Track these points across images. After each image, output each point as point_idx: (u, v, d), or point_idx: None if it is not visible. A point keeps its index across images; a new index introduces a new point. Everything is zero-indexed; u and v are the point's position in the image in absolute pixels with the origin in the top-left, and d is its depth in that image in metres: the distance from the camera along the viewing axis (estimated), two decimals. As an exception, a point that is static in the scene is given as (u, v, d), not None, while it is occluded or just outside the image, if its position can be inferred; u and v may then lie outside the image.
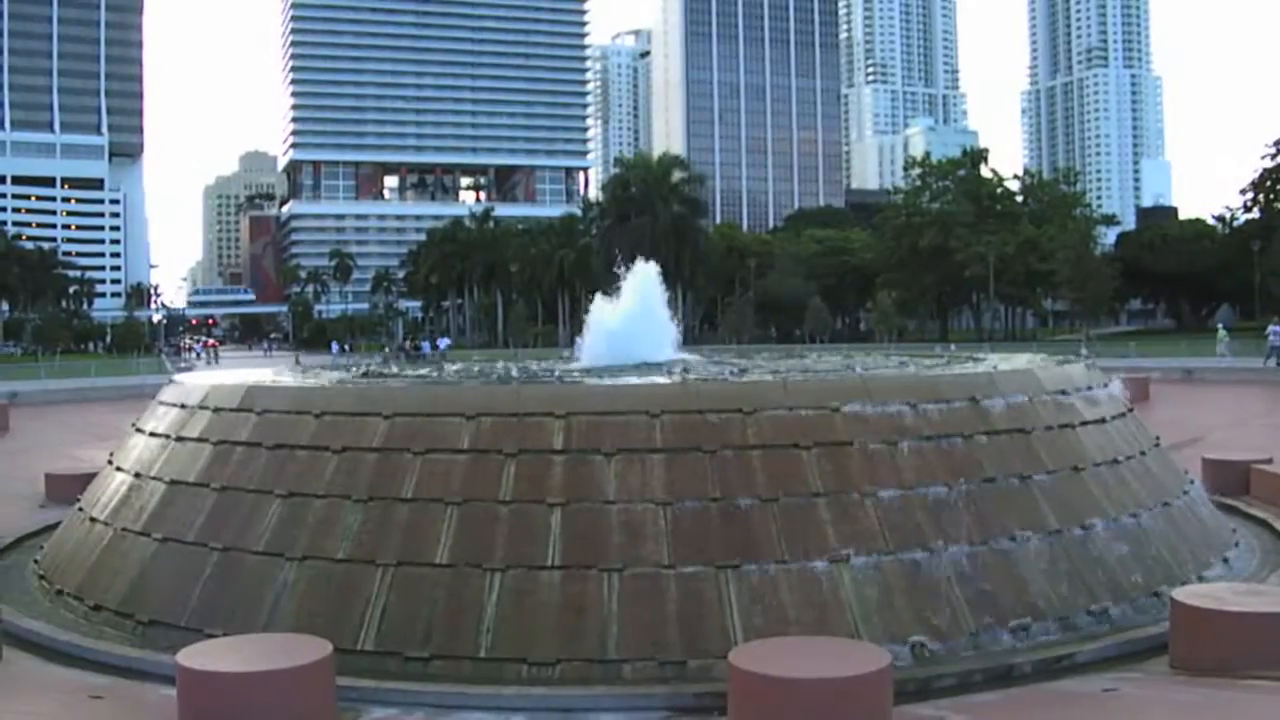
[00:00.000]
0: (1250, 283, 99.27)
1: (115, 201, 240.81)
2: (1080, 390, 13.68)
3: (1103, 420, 13.46)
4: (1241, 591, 10.21)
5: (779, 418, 11.24)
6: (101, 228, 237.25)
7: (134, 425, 14.92)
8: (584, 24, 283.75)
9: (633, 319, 19.41)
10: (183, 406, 13.75)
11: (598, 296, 21.02)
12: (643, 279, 20.54)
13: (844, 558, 10.37)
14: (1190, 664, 9.34)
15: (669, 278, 21.46)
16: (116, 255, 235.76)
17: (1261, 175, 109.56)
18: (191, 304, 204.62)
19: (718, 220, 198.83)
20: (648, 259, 21.56)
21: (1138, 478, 12.97)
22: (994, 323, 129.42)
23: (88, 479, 15.70)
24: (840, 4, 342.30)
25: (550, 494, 10.68)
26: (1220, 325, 79.05)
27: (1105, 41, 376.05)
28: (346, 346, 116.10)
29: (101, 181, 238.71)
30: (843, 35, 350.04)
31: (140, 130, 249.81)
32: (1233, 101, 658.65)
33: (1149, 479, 13.22)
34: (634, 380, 13.92)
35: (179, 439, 13.18)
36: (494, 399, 12.04)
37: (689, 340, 21.15)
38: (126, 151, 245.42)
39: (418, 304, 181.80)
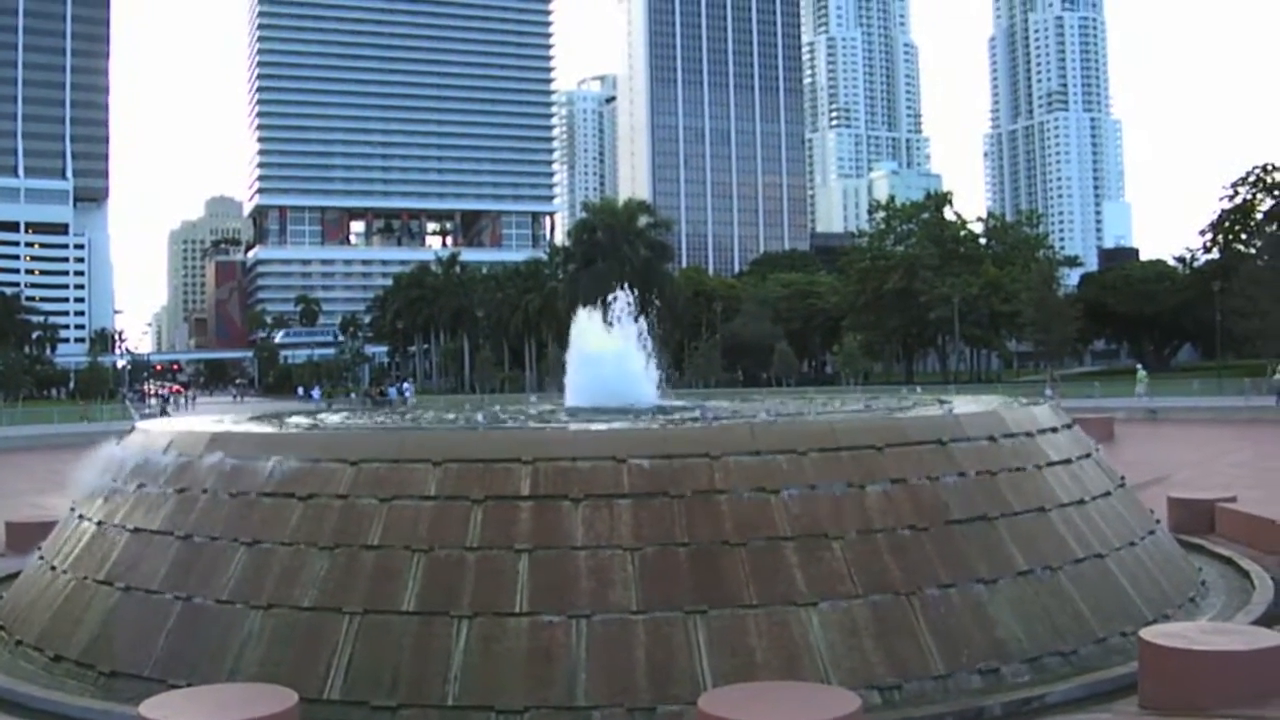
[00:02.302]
0: (1211, 322, 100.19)
1: (80, 246, 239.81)
2: (1046, 431, 13.74)
3: (1068, 461, 13.51)
4: (1209, 631, 10.23)
5: (746, 462, 11.23)
6: (66, 273, 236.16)
7: (97, 471, 14.75)
8: (550, 70, 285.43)
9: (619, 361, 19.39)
10: (146, 453, 13.61)
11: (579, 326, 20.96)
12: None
13: (812, 601, 10.35)
14: (1159, 704, 9.33)
15: (635, 322, 21.47)
16: (80, 300, 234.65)
17: (1220, 216, 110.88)
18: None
19: (684, 264, 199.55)
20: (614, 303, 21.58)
21: (1104, 518, 13.00)
22: (959, 364, 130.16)
23: (49, 527, 15.51)
24: (804, 49, 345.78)
25: (518, 540, 10.61)
26: (1139, 367, 79.80)
27: (1065, 86, 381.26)
28: (316, 393, 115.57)
29: (66, 226, 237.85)
30: (806, 80, 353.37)
31: (105, 175, 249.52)
32: (1191, 144, 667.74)
33: (1115, 519, 13.26)
34: (601, 425, 13.90)
35: (142, 486, 13.05)
36: (461, 445, 11.99)
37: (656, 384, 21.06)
38: (91, 196, 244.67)
39: (384, 349, 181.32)
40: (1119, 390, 70.23)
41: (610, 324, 20.66)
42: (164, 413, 74.26)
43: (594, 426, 13.78)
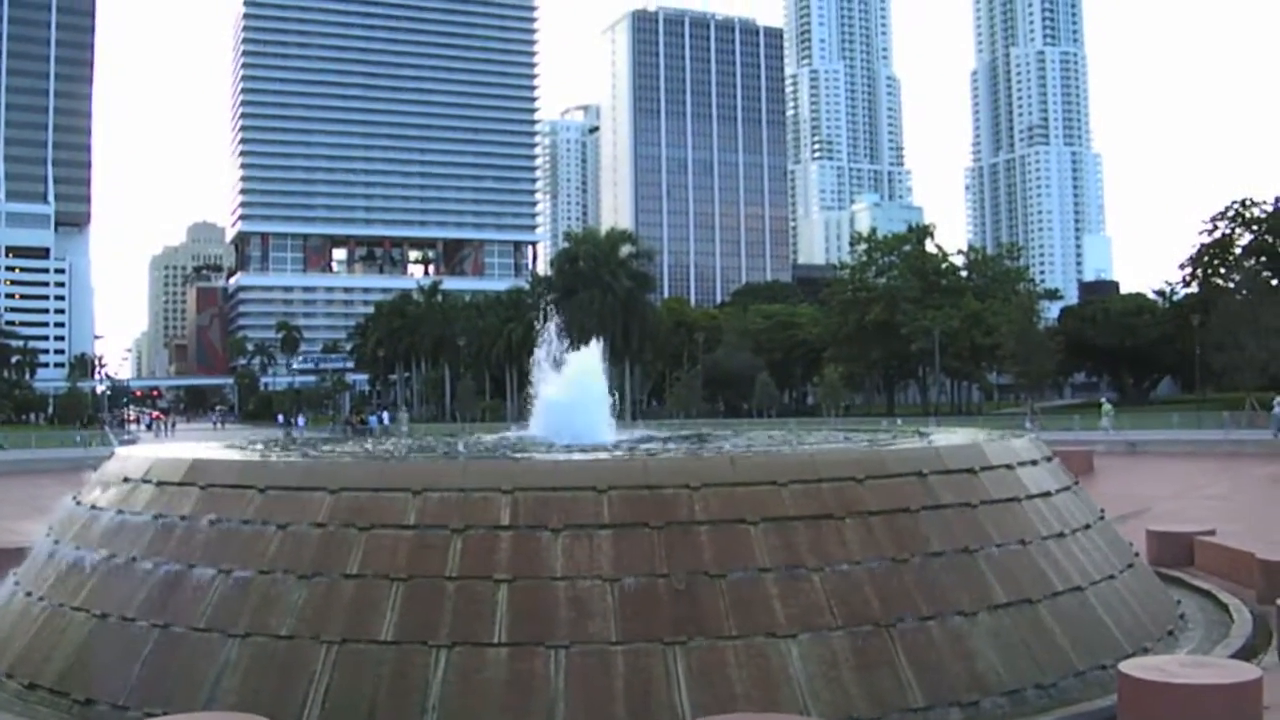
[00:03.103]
0: (1191, 356, 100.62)
1: (60, 271, 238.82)
2: (1025, 464, 13.77)
3: (1048, 494, 13.54)
4: (1188, 664, 10.25)
5: (726, 493, 11.23)
6: (46, 297, 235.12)
7: (74, 498, 14.68)
8: (533, 99, 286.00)
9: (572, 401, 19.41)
10: (125, 480, 13.56)
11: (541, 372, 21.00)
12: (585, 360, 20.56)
13: (792, 633, 10.34)
14: (1138, 738, 9.35)
15: (617, 352, 21.63)
16: (61, 325, 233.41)
17: (1199, 250, 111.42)
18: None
19: (666, 294, 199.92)
20: (596, 333, 21.68)
21: (1083, 551, 13.04)
22: (940, 397, 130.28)
23: (25, 553, 15.39)
24: (786, 81, 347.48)
25: (497, 570, 10.59)
26: (1104, 400, 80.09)
27: (1046, 119, 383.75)
28: (301, 421, 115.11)
29: (47, 250, 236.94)
30: (789, 112, 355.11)
31: (87, 199, 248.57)
32: (1171, 178, 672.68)
33: (1094, 552, 13.29)
34: (581, 456, 13.90)
35: (120, 513, 12.98)
36: (440, 474, 11.96)
37: (636, 415, 21.07)
38: (73, 221, 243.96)
39: (365, 377, 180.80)
40: (1099, 423, 70.38)
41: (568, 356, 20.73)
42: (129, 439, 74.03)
43: (574, 457, 13.77)
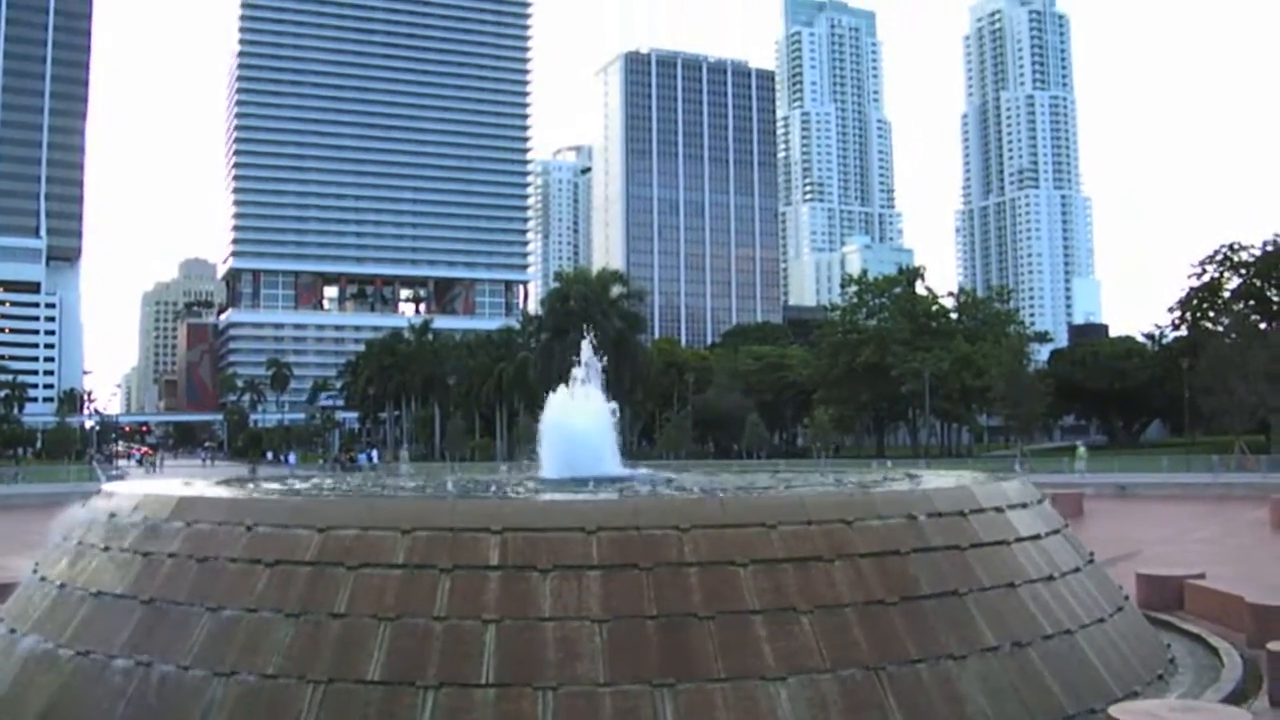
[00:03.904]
0: (1180, 399, 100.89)
1: (51, 306, 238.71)
2: (1015, 507, 13.76)
3: (1038, 536, 13.53)
4: (1178, 708, 10.21)
5: (715, 535, 11.22)
6: (36, 331, 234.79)
7: (62, 534, 14.60)
8: (526, 139, 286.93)
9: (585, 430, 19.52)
10: (112, 516, 13.50)
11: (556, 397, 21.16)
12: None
13: (781, 676, 10.30)
14: (1127, 783, 9.30)
15: (608, 392, 21.72)
16: (50, 360, 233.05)
17: (1188, 294, 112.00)
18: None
19: (656, 335, 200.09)
20: (585, 364, 21.84)
21: (1073, 594, 13.01)
22: (930, 439, 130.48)
23: (10, 588, 15.31)
24: (778, 124, 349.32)
25: (485, 610, 10.55)
26: (1079, 444, 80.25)
27: (1036, 163, 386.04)
28: (291, 458, 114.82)
29: (38, 285, 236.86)
30: (780, 154, 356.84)
31: (79, 234, 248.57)
32: (1160, 222, 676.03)
33: (1084, 595, 13.27)
34: (570, 496, 13.88)
35: (106, 549, 12.92)
36: (429, 513, 11.92)
37: (626, 455, 21.10)
38: (64, 255, 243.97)
39: (355, 415, 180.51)
40: (1089, 465, 70.44)
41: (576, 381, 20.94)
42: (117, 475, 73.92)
43: (563, 497, 13.76)
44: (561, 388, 21.20)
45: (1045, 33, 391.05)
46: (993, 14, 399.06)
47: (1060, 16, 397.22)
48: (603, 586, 10.68)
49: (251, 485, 18.53)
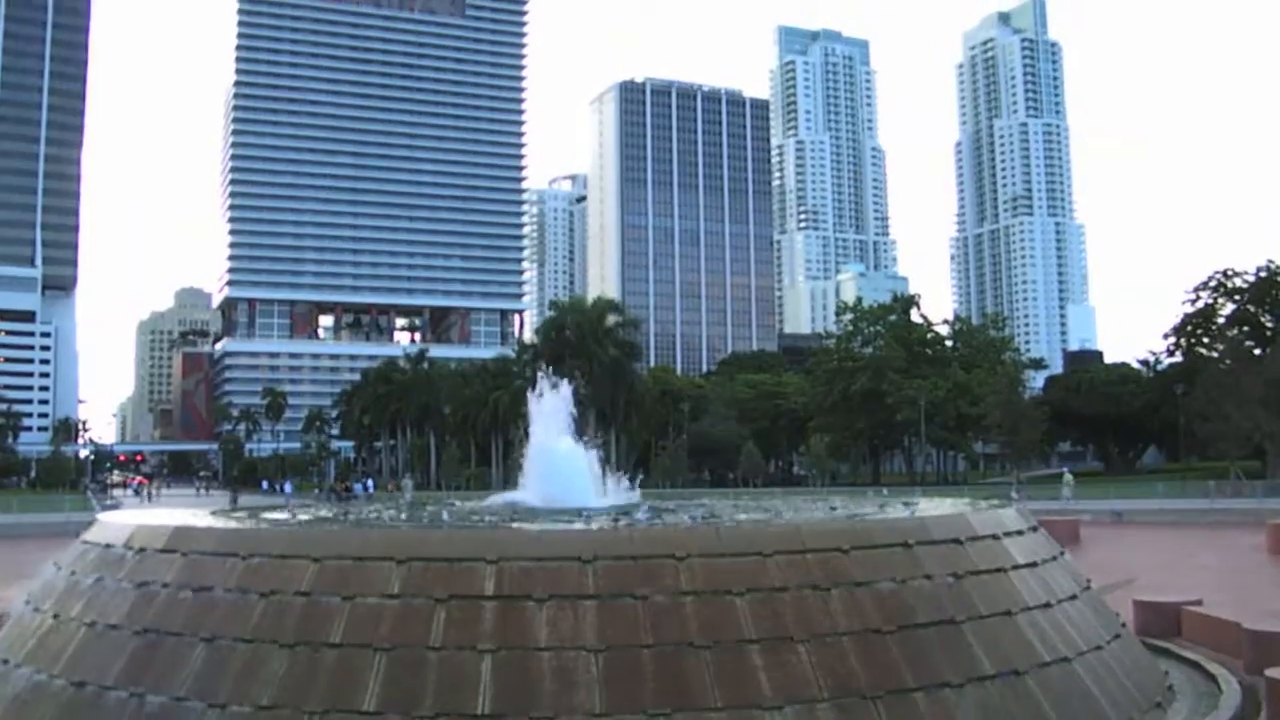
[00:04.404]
0: (1176, 425, 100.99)
1: (46, 335, 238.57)
2: (1011, 534, 13.74)
3: (1034, 564, 13.50)
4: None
5: (712, 564, 11.20)
6: (31, 360, 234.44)
7: (54, 564, 14.57)
8: (521, 168, 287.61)
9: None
10: (106, 546, 13.46)
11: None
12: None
13: (778, 705, 10.26)
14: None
15: (604, 420, 21.84)
16: (45, 389, 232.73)
17: (1183, 320, 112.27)
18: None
19: (652, 363, 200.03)
20: (582, 402, 21.79)
21: (1070, 621, 12.98)
22: (926, 466, 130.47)
23: (4, 619, 15.25)
24: (773, 152, 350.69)
25: (481, 640, 10.52)
26: (1065, 470, 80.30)
27: (1030, 190, 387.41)
28: (288, 486, 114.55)
29: (33, 314, 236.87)
30: (775, 182, 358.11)
31: (75, 263, 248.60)
32: (1154, 248, 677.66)
33: (1081, 622, 13.24)
34: (566, 525, 13.86)
35: (101, 579, 12.87)
36: (425, 543, 11.91)
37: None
38: (60, 284, 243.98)
39: (350, 444, 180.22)
40: (1085, 492, 70.47)
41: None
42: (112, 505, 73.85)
43: (558, 527, 13.73)
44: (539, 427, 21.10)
45: (1038, 60, 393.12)
46: (985, 42, 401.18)
47: (1052, 44, 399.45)
48: (599, 616, 10.65)
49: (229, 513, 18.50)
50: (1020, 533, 14.04)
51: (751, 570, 11.25)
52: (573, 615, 10.65)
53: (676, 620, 10.72)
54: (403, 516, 18.56)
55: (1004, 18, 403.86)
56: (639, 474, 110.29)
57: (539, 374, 21.74)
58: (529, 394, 21.38)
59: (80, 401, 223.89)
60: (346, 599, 11.03)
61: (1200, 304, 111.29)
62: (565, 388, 21.91)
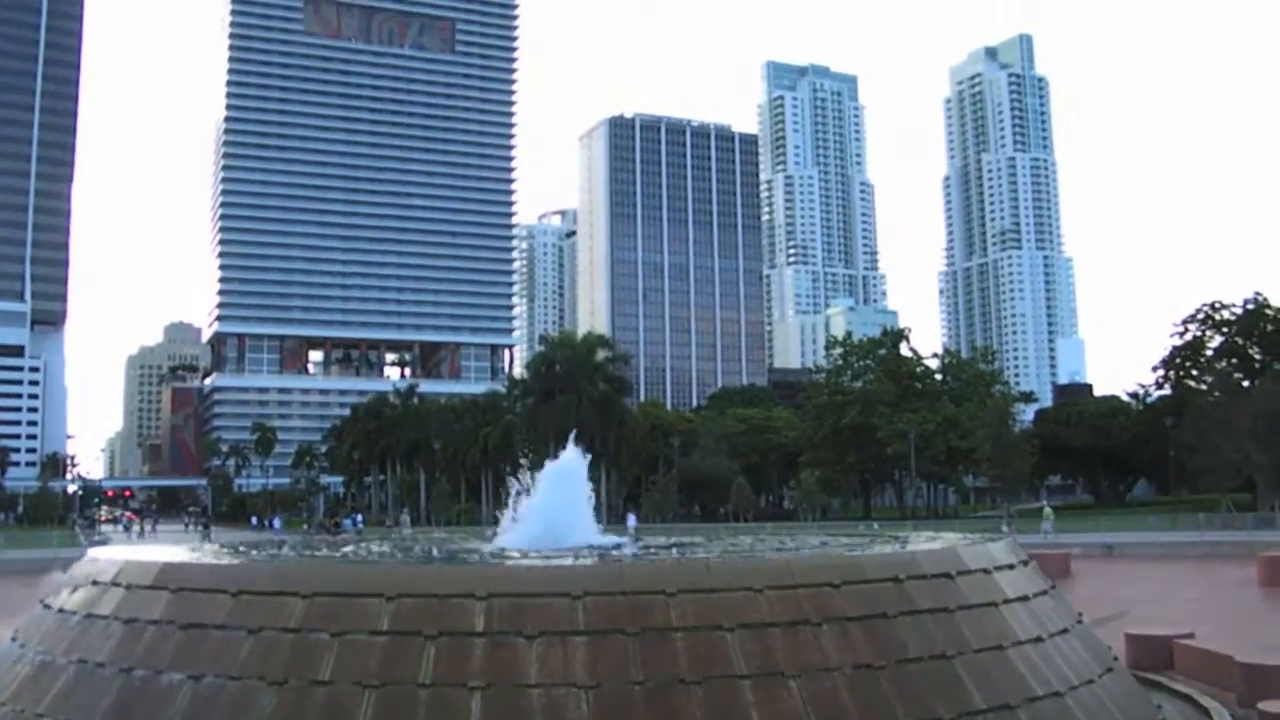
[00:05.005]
0: (1165, 458, 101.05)
1: (35, 369, 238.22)
2: (1002, 568, 13.72)
3: (1025, 598, 13.48)
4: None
5: (702, 599, 11.16)
6: (19, 395, 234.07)
7: (42, 601, 14.48)
8: (511, 204, 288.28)
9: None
10: (94, 583, 13.38)
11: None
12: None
13: (769, 741, 10.21)
14: None
15: (594, 456, 21.55)
16: (33, 424, 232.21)
17: (1172, 353, 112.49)
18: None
19: (642, 398, 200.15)
20: (572, 437, 21.49)
21: (1062, 655, 12.95)
22: (916, 500, 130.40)
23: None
24: (762, 187, 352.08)
25: (471, 677, 10.46)
26: (1045, 504, 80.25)
27: (1018, 224, 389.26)
28: (276, 522, 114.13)
29: (22, 349, 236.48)
30: (764, 217, 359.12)
31: (64, 298, 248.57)
32: (1142, 281, 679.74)
33: (1073, 656, 13.20)
34: (556, 561, 13.82)
35: (88, 616, 12.79)
36: (414, 579, 11.85)
37: (612, 519, 20.92)
38: (49, 319, 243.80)
39: (340, 479, 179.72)
40: (1075, 525, 70.43)
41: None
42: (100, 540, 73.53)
43: (548, 563, 13.69)
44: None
45: (1025, 95, 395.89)
46: (973, 77, 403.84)
47: (1039, 79, 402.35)
48: (589, 652, 10.61)
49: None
50: (1011, 566, 14.02)
51: (742, 605, 11.21)
52: (563, 651, 10.60)
53: (667, 656, 10.67)
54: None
55: (991, 53, 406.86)
56: (629, 509, 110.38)
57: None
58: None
59: (69, 437, 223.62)
60: (335, 635, 10.96)
61: (1189, 336, 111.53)
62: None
